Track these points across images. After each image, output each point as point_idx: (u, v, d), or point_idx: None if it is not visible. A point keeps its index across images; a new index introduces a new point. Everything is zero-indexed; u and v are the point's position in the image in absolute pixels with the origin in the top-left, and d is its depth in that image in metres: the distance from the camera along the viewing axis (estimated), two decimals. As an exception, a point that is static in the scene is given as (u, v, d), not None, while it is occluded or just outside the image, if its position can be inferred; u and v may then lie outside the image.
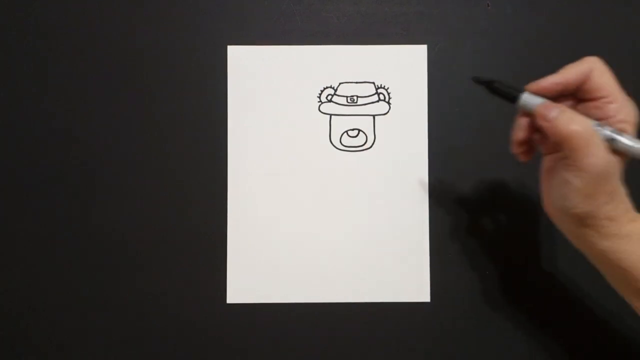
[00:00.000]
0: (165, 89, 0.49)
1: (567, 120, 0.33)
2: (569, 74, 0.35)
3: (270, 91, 0.49)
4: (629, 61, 0.49)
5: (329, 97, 0.49)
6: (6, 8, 0.49)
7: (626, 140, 0.33)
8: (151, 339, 0.48)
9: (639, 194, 0.35)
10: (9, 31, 0.49)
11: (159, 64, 0.49)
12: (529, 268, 0.48)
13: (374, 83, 0.49)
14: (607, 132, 0.33)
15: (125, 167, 0.49)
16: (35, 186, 0.49)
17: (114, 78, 0.49)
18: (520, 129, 0.37)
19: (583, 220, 0.34)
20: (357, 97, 0.49)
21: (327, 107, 0.49)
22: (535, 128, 0.36)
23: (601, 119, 0.34)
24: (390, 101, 0.49)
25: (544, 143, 0.37)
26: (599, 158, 0.32)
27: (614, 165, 0.33)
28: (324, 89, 0.49)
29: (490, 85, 0.37)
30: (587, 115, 0.34)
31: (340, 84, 0.49)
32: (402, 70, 0.49)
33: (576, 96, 0.36)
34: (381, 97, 0.49)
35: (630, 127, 0.34)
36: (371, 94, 0.49)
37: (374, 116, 0.49)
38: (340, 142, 0.49)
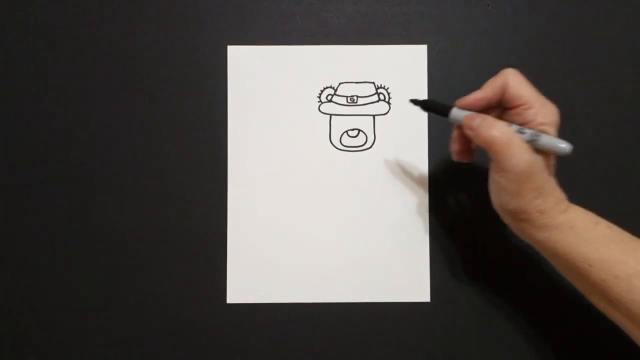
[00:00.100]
0: (165, 89, 0.49)
1: (488, 127, 0.36)
2: (488, 88, 0.38)
3: (270, 91, 0.49)
4: (629, 61, 0.49)
5: (329, 97, 0.49)
6: (6, 8, 0.49)
7: (544, 140, 0.37)
8: (151, 339, 0.48)
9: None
10: (9, 31, 0.49)
11: (159, 64, 0.49)
12: (529, 268, 0.48)
13: (374, 83, 0.49)
14: (527, 134, 0.37)
15: (125, 167, 0.49)
16: (35, 186, 0.49)
17: (114, 78, 0.49)
18: (455, 141, 0.41)
19: (516, 215, 0.37)
20: (357, 97, 0.49)
21: (327, 107, 0.49)
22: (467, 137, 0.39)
23: (523, 124, 0.37)
24: (390, 101, 0.49)
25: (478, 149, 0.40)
26: (519, 159, 0.35)
27: (537, 164, 0.36)
28: (324, 89, 0.49)
29: (424, 105, 0.42)
30: (512, 121, 0.38)
31: (340, 84, 0.49)
32: (402, 70, 0.49)
33: (502, 106, 0.39)
34: (381, 97, 0.49)
35: (551, 128, 0.37)
36: (371, 94, 0.49)
37: (374, 116, 0.49)
38: (340, 142, 0.49)
